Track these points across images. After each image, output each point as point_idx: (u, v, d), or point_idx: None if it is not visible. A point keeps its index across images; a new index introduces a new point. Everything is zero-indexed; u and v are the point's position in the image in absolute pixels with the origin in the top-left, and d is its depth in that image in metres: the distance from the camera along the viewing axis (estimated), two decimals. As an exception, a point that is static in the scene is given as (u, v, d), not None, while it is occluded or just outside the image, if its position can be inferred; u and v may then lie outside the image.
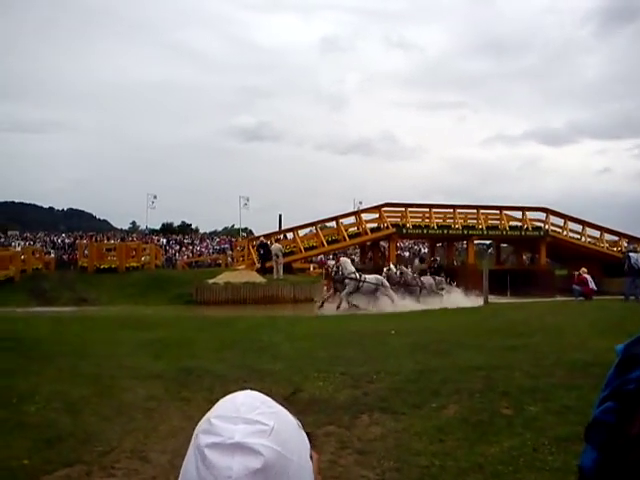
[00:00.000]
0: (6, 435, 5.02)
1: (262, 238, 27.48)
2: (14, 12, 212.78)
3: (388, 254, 29.96)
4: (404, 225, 29.40)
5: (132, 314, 16.14)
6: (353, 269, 19.63)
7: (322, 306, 19.17)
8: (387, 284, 19.73)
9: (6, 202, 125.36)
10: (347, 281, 19.04)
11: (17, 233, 53.53)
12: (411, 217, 30.13)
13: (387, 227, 28.98)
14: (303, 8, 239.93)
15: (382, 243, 31.86)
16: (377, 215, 29.70)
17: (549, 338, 9.24)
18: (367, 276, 19.57)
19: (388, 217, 29.54)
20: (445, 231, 30.29)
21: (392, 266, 21.86)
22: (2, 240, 47.16)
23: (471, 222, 31.05)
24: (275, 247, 24.06)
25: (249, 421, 0.75)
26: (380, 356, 8.47)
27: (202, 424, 0.78)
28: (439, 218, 30.80)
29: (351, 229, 29.33)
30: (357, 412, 5.81)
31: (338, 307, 18.78)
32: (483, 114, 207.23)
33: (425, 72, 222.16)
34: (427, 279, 21.95)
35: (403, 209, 30.12)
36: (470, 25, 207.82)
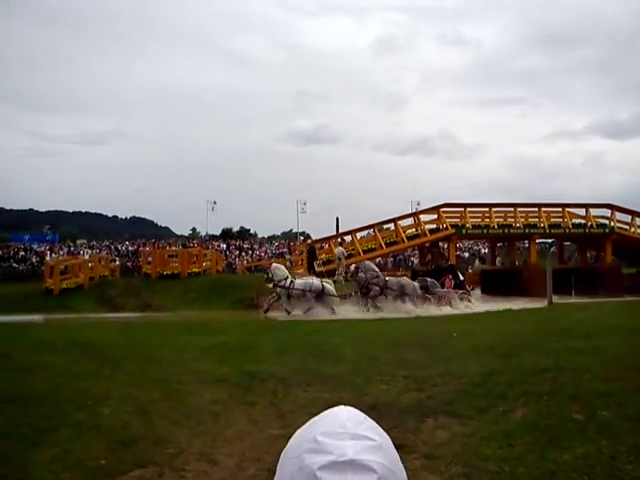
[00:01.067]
0: (84, 436, 5.22)
1: (311, 242, 27.60)
2: (75, 28, 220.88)
3: (448, 255, 29.56)
4: (463, 225, 28.96)
5: (195, 319, 16.47)
6: (284, 275, 19.21)
7: (266, 311, 18.91)
8: (316, 289, 19.00)
9: (75, 212, 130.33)
10: (278, 288, 18.95)
11: (85, 242, 55.56)
12: (470, 217, 29.66)
13: (446, 228, 28.61)
14: (356, 10, 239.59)
15: (441, 244, 31.46)
16: (436, 216, 29.35)
17: (620, 340, 8.89)
18: (298, 281, 19.19)
19: (447, 218, 29.16)
20: (506, 230, 29.66)
21: (352, 266, 21.18)
22: (72, 249, 49.01)
23: (532, 221, 30.30)
24: (338, 250, 24.03)
25: (357, 437, 0.72)
26: (443, 358, 8.37)
27: (304, 443, 0.73)
28: (499, 217, 30.19)
29: (409, 230, 29.07)
30: (422, 416, 5.75)
31: (265, 311, 18.80)
32: (543, 109, 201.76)
33: (483, 68, 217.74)
34: (407, 282, 20.33)
35: (462, 209, 29.69)
36: (527, 18, 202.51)
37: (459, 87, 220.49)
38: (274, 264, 20.93)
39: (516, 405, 5.80)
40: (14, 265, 44.87)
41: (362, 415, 0.77)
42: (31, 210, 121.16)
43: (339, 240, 29.06)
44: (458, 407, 5.93)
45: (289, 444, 0.78)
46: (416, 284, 20.02)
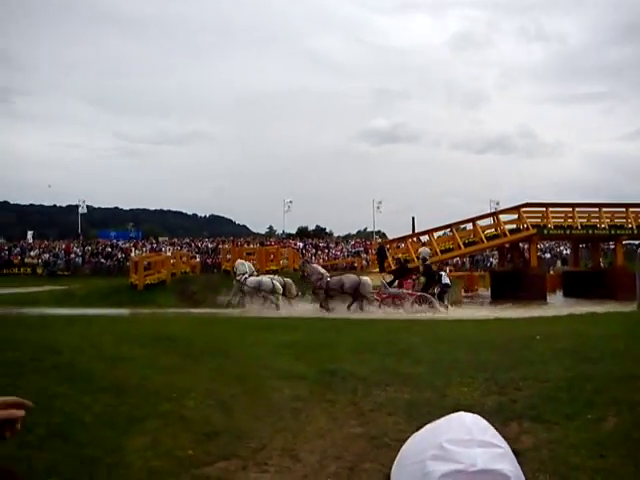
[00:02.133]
0: (171, 426, 5.42)
1: (381, 242, 27.42)
2: (158, 34, 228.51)
3: (529, 256, 28.71)
4: (545, 226, 28.03)
5: (270, 315, 16.73)
6: (244, 271, 20.47)
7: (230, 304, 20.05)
8: (266, 287, 19.77)
9: (156, 210, 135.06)
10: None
11: (167, 239, 57.58)
12: (552, 217, 28.68)
13: (527, 228, 27.78)
14: (433, 7, 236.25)
15: (522, 245, 30.59)
16: (516, 216, 28.56)
17: None
18: (251, 279, 20.21)
19: (528, 218, 28.30)
20: (590, 231, 28.50)
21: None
22: (155, 246, 50.86)
23: (619, 221, 28.99)
24: (423, 251, 23.75)
25: (484, 444, 0.69)
26: (525, 362, 8.13)
27: (428, 449, 0.70)
28: (583, 218, 29.06)
29: (488, 231, 28.43)
30: (505, 420, 5.62)
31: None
32: (630, 104, 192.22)
33: (566, 63, 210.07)
34: (364, 280, 19.66)
35: (544, 209, 28.74)
36: (612, 9, 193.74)
37: (540, 83, 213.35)
38: (239, 260, 22.24)
39: (606, 413, 5.57)
40: (102, 260, 47.00)
41: (484, 421, 0.74)
42: (116, 208, 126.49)
43: (416, 239, 28.77)
44: (543, 412, 5.76)
45: (408, 448, 0.75)
46: (368, 283, 19.55)
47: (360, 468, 4.66)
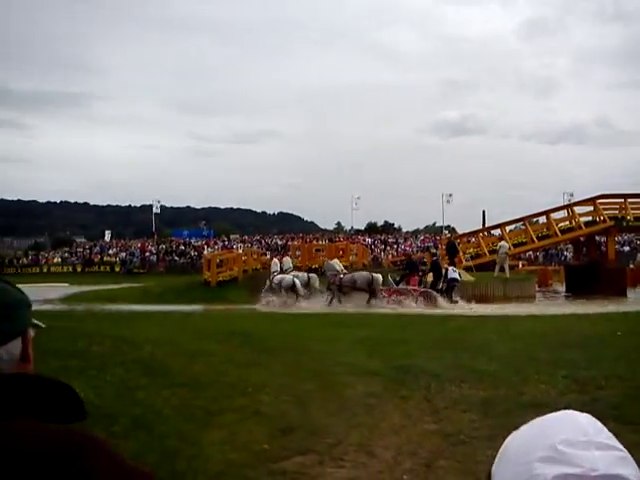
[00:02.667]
0: (247, 421, 5.53)
1: (450, 237, 26.95)
2: (228, 36, 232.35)
3: (606, 249, 27.62)
4: (624, 217, 26.87)
5: (342, 312, 16.77)
6: (276, 269, 20.93)
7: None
8: (286, 285, 19.87)
9: (226, 208, 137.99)
10: None
11: (238, 236, 58.72)
12: (632, 208, 27.45)
13: (604, 220, 26.72)
14: None
15: (598, 238, 29.44)
16: (592, 208, 27.51)
17: None
18: (277, 277, 20.35)
19: (604, 209, 27.21)
20: (674, 222, 27.13)
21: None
22: (226, 243, 51.95)
23: None
24: (503, 245, 23.22)
25: (602, 446, 0.63)
26: (607, 359, 7.86)
27: (537, 450, 0.64)
28: (666, 208, 27.67)
29: (563, 224, 27.51)
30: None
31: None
32: None
33: None
34: (376, 277, 19.48)
35: (622, 200, 27.55)
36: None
37: (617, 67, 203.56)
38: (275, 259, 22.93)
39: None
40: (175, 258, 48.39)
41: (598, 421, 0.69)
42: (188, 207, 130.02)
43: (487, 234, 28.17)
44: (628, 413, 5.53)
45: (513, 447, 0.69)
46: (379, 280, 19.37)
47: (436, 465, 4.61)
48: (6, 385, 0.90)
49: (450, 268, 20.25)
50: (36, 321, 1.14)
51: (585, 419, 0.68)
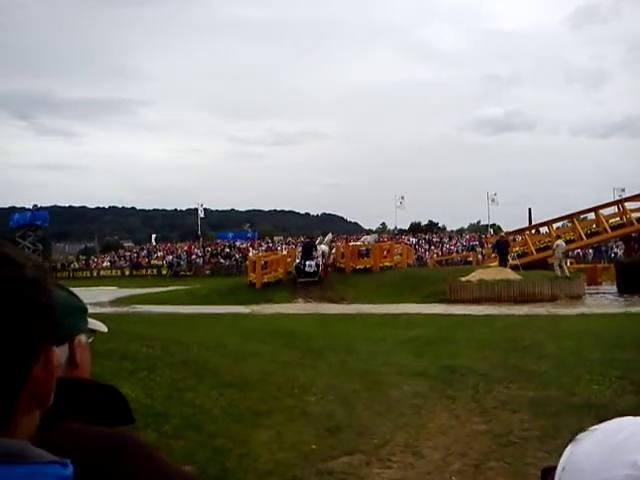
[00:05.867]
0: (294, 421, 5.57)
1: (501, 235, 26.50)
2: (268, 38, 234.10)
3: (659, 245, 26.74)
4: (676, 212, 26.02)
5: (388, 312, 16.69)
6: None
7: None
8: None
9: (270, 210, 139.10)
10: None
11: (281, 238, 59.12)
12: (685, 202, 26.54)
13: (656, 215, 25.91)
14: None
15: (650, 234, 28.56)
16: (644, 203, 26.72)
17: None
18: None
19: (657, 204, 26.40)
20: None
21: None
22: (270, 245, 52.35)
23: None
24: (561, 244, 22.69)
25: None
26: (664, 359, 7.61)
27: (617, 467, 0.59)
28: None
29: (613, 220, 26.77)
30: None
31: None
32: None
33: None
34: None
35: (675, 194, 26.68)
36: None
37: None
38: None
39: None
40: (221, 261, 48.98)
41: None
42: (232, 210, 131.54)
43: (534, 231, 27.63)
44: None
45: (584, 460, 0.62)
46: None
47: (486, 466, 4.55)
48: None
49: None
50: (96, 325, 1.17)
51: None
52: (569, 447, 0.66)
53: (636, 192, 27.93)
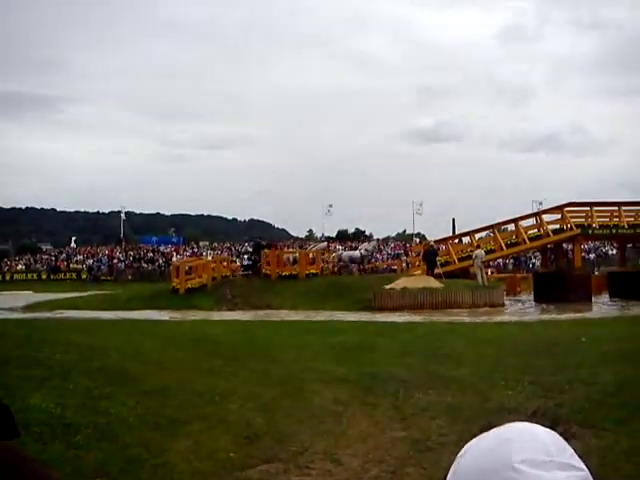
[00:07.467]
0: (213, 429, 5.47)
1: (427, 243, 27.26)
2: (199, 39, 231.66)
3: (572, 257, 28.10)
4: (590, 225, 27.39)
5: (313, 319, 16.74)
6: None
7: None
8: None
9: (197, 215, 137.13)
10: None
11: (207, 243, 58.38)
12: (597, 217, 28.00)
13: (571, 228, 27.20)
14: (481, 0, 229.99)
15: (565, 245, 29.96)
16: (559, 216, 27.99)
17: None
18: None
19: (572, 217, 27.69)
20: (637, 230, 27.73)
21: None
22: (195, 250, 51.56)
23: (669, 220, 28.12)
24: (480, 253, 23.38)
25: (563, 466, 0.60)
26: (572, 365, 7.97)
27: (498, 470, 0.60)
28: (630, 216, 28.28)
29: (531, 231, 27.92)
30: (551, 424, 5.44)
31: None
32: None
33: (624, 53, 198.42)
34: None
35: (588, 208, 28.09)
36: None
37: (596, 75, 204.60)
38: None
39: (658, 418, 5.40)
40: (144, 265, 47.83)
41: (560, 437, 0.65)
42: (158, 214, 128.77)
43: (457, 241, 28.44)
44: (591, 417, 5.62)
45: (469, 463, 0.64)
46: None
47: (403, 472, 4.61)
48: None
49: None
50: None
51: (547, 436, 0.64)
52: (460, 453, 0.67)
53: (553, 205, 29.27)
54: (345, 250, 33.56)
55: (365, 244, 31.95)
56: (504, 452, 0.61)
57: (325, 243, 34.14)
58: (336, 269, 28.78)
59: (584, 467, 0.61)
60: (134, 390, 6.36)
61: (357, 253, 28.12)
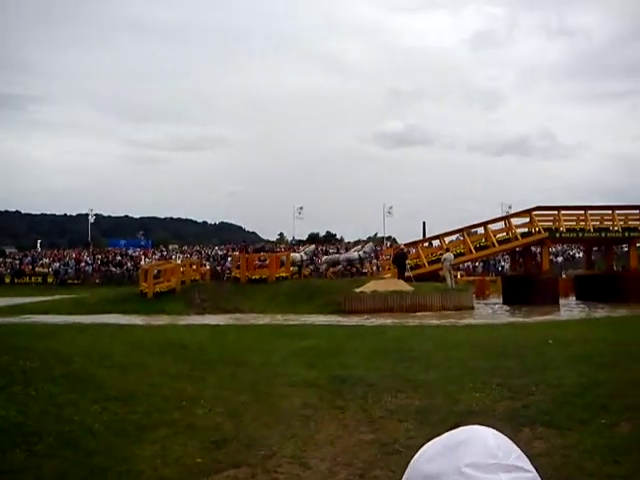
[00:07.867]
0: (180, 435, 5.40)
1: (396, 246, 27.45)
2: (170, 39, 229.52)
3: (540, 260, 28.54)
4: (557, 229, 27.86)
5: (283, 323, 16.69)
6: None
7: None
8: None
9: (166, 218, 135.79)
10: None
11: (177, 247, 57.84)
12: (565, 220, 28.48)
13: (539, 231, 27.62)
14: (452, 5, 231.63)
15: (534, 249, 30.42)
16: (528, 219, 28.40)
17: None
18: None
19: (540, 221, 28.12)
20: (603, 234, 28.28)
21: None
22: (164, 254, 51.04)
23: (633, 223, 28.73)
24: (448, 256, 23.60)
25: (509, 468, 0.61)
26: (538, 367, 8.07)
27: (446, 474, 0.61)
28: (596, 220, 28.84)
29: (500, 235, 28.28)
30: (518, 425, 5.55)
31: None
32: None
33: (591, 60, 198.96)
34: None
35: (556, 212, 28.56)
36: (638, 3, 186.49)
37: (564, 81, 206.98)
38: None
39: (620, 419, 5.49)
40: (112, 269, 47.19)
41: (508, 440, 0.65)
42: (126, 217, 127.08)
43: (427, 244, 28.64)
44: (556, 417, 5.69)
45: (421, 467, 0.65)
46: None
47: (371, 475, 4.61)
48: None
49: None
50: None
51: (493, 438, 0.64)
52: (414, 457, 0.68)
53: (521, 209, 29.69)
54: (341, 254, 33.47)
55: (359, 246, 32.05)
56: (452, 456, 0.63)
57: (371, 244, 33.73)
58: (330, 273, 28.75)
59: (532, 469, 0.62)
60: (99, 396, 6.26)
61: (355, 255, 28.16)
